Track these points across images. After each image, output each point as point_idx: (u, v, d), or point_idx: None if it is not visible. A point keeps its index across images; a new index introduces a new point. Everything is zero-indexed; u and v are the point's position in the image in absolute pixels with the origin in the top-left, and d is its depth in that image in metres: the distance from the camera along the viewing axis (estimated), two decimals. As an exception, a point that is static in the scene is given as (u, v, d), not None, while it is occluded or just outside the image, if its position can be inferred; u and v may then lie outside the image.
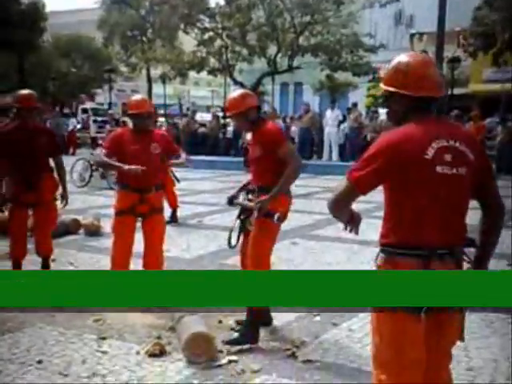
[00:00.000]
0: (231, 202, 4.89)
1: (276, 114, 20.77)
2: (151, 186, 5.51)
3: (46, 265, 6.18)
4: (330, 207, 2.69)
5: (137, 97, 5.91)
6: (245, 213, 4.76)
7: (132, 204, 5.44)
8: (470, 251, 2.72)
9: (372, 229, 8.71)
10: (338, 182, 2.68)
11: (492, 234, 2.73)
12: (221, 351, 4.31)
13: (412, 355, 2.57)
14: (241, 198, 4.85)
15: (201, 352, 4.20)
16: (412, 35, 35.17)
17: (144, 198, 5.44)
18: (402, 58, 2.69)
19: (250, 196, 4.73)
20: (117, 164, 5.38)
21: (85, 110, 34.12)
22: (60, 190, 6.10)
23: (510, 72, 25.50)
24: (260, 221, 4.48)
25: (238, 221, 4.83)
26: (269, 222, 4.47)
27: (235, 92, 4.88)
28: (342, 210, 2.72)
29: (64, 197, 6.09)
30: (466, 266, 2.70)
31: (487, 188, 2.70)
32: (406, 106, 2.65)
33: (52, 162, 6.11)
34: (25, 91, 6.07)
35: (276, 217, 4.44)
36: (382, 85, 2.74)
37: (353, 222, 2.85)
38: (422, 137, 2.53)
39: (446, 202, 2.56)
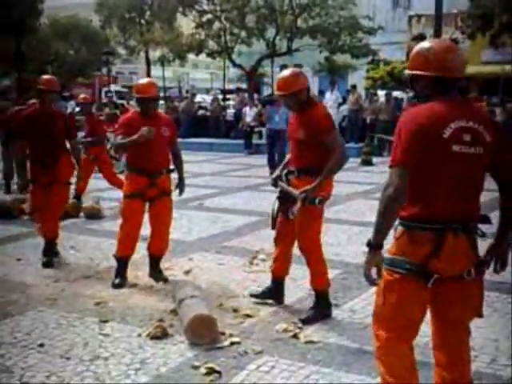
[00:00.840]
0: (276, 183, 4.84)
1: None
2: (162, 169, 5.52)
3: (48, 248, 6.21)
4: (393, 200, 2.65)
5: (144, 80, 5.90)
6: (284, 194, 4.74)
7: (142, 187, 5.41)
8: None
9: (372, 210, 8.77)
10: (385, 181, 2.70)
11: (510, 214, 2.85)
12: (223, 333, 4.31)
13: (410, 317, 2.80)
14: (284, 180, 4.79)
15: (203, 334, 4.20)
16: (410, 17, 34.94)
17: (154, 182, 5.43)
18: (425, 43, 2.86)
19: (289, 177, 4.71)
20: (130, 138, 5.31)
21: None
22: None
23: (508, 54, 25.43)
24: (302, 208, 4.47)
25: (277, 202, 4.81)
26: (311, 207, 4.48)
27: (287, 71, 4.72)
28: (403, 200, 2.69)
29: (79, 177, 6.60)
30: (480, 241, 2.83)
31: (505, 164, 2.78)
32: (427, 88, 2.79)
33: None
34: (48, 76, 6.43)
35: (317, 201, 4.48)
36: (406, 70, 2.89)
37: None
38: (440, 116, 2.67)
39: (461, 180, 2.70)
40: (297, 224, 4.60)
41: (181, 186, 5.77)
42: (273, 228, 4.92)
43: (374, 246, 2.72)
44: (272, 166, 12.57)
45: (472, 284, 2.79)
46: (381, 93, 20.04)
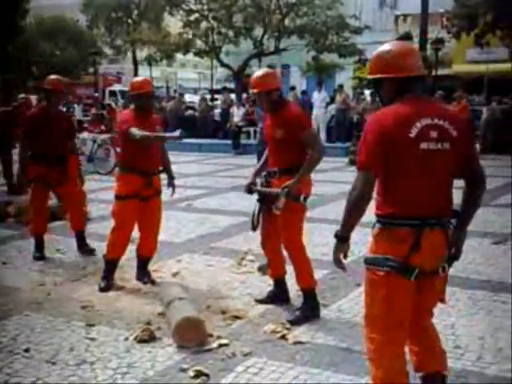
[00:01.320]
0: (250, 190, 4.85)
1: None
2: (157, 169, 5.53)
3: (81, 237, 6.66)
4: (356, 204, 2.84)
5: (139, 77, 5.96)
6: (264, 196, 4.76)
7: (137, 188, 5.36)
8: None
9: (360, 210, 8.80)
10: (352, 184, 2.85)
11: (474, 204, 2.96)
12: (211, 335, 4.29)
13: (400, 316, 2.88)
14: (258, 183, 4.82)
15: (190, 337, 4.17)
16: (396, 17, 35.11)
17: (150, 182, 5.40)
18: (382, 47, 2.94)
19: (269, 179, 4.72)
20: (158, 134, 5.36)
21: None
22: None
23: (493, 53, 25.59)
24: (287, 204, 4.48)
25: (258, 204, 4.84)
26: (295, 204, 4.51)
27: (261, 71, 4.86)
28: (366, 203, 2.83)
29: (80, 176, 6.80)
30: None
31: (470, 162, 2.91)
32: (391, 89, 2.88)
33: None
34: (54, 76, 6.53)
35: (302, 198, 4.51)
36: (368, 75, 2.98)
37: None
38: (405, 117, 2.75)
39: (433, 176, 2.79)
40: (280, 222, 4.60)
41: (172, 183, 5.77)
42: (253, 230, 4.90)
43: (341, 238, 2.97)
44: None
45: (440, 275, 2.93)
46: (367, 92, 20.06)
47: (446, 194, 2.88)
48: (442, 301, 3.09)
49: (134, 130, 5.12)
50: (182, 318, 4.21)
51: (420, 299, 2.92)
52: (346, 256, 3.02)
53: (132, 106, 5.59)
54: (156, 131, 5.40)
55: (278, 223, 4.65)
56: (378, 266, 2.84)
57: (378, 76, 2.89)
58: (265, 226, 4.85)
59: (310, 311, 4.64)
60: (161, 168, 5.66)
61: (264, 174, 4.79)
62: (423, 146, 2.73)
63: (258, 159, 12.88)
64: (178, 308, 4.43)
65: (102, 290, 5.32)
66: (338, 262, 3.02)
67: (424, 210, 2.77)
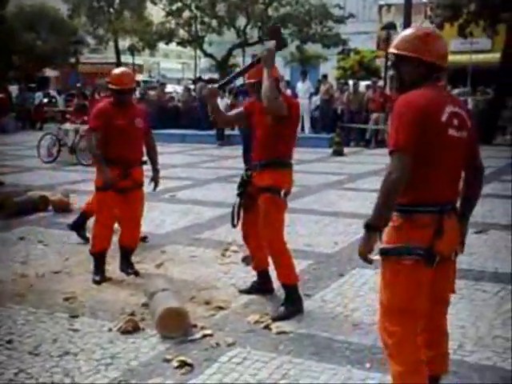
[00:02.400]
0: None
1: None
2: (135, 161, 5.48)
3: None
4: (396, 188, 2.66)
5: (118, 70, 5.65)
6: (244, 188, 4.77)
7: (115, 179, 5.33)
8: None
9: (343, 200, 8.86)
10: (387, 168, 2.71)
11: (477, 192, 3.01)
12: (195, 326, 4.30)
13: (424, 306, 2.82)
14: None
15: (174, 327, 4.18)
16: (380, 7, 35.17)
17: (128, 173, 5.38)
18: (419, 28, 2.95)
19: (251, 173, 4.74)
20: (103, 168, 5.28)
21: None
22: None
23: (477, 43, 25.70)
24: (268, 198, 4.49)
25: (238, 199, 4.84)
26: (277, 198, 4.50)
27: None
28: (403, 188, 2.68)
29: None
30: None
31: (475, 151, 2.95)
32: (419, 72, 2.81)
33: None
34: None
35: (282, 192, 4.51)
36: (393, 49, 2.87)
37: None
38: (436, 101, 2.74)
39: (452, 162, 2.79)
40: (262, 219, 4.58)
41: (156, 178, 5.72)
42: (233, 226, 4.89)
43: (374, 228, 2.73)
44: (247, 159, 12.33)
45: (453, 261, 2.93)
46: (351, 83, 20.09)
47: (458, 182, 2.90)
48: (454, 291, 3.03)
49: (92, 142, 5.33)
50: (165, 308, 4.22)
51: (438, 289, 2.88)
52: (372, 249, 2.79)
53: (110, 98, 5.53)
54: (136, 124, 5.41)
55: (259, 220, 4.62)
56: (404, 254, 2.74)
57: (410, 54, 2.79)
58: (245, 222, 4.85)
59: (292, 307, 4.58)
60: (144, 159, 5.64)
61: (246, 169, 4.83)
62: (451, 131, 2.73)
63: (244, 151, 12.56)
64: (162, 299, 4.43)
65: (96, 282, 5.28)
66: (365, 255, 2.78)
67: (444, 196, 2.77)
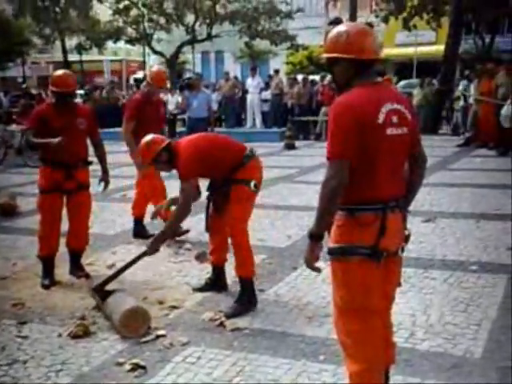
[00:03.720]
0: None
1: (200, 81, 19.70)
2: (78, 162, 5.36)
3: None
4: (336, 194, 2.65)
5: (60, 72, 5.50)
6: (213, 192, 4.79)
7: (58, 181, 5.24)
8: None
9: (295, 194, 8.90)
10: (325, 173, 2.69)
11: (419, 183, 3.03)
12: (149, 327, 4.24)
13: (378, 301, 2.82)
14: None
15: (137, 327, 4.14)
16: (327, 2, 35.45)
17: (71, 174, 5.27)
18: (341, 27, 2.84)
19: None
20: (44, 140, 5.18)
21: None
22: None
23: (421, 36, 26.19)
24: (238, 189, 4.50)
25: (209, 202, 4.86)
26: (246, 190, 4.51)
27: (141, 143, 4.85)
28: (340, 194, 2.68)
29: None
30: None
31: (418, 143, 2.96)
32: (349, 71, 2.79)
33: None
34: (156, 69, 6.86)
35: (252, 184, 4.52)
36: (324, 54, 2.86)
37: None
38: (372, 102, 2.71)
39: (393, 159, 2.78)
40: (230, 204, 4.57)
41: (105, 179, 5.63)
42: (207, 230, 4.90)
43: (317, 236, 2.75)
44: None
45: (399, 257, 2.93)
46: (300, 77, 20.20)
47: (402, 176, 2.89)
48: (400, 284, 3.07)
49: (29, 138, 5.36)
50: (127, 309, 4.16)
51: (385, 285, 2.87)
52: (318, 257, 2.80)
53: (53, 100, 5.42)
54: (78, 124, 5.31)
55: (227, 211, 4.62)
56: (349, 254, 2.75)
57: (336, 55, 2.78)
58: (212, 215, 4.83)
59: (247, 302, 4.58)
60: (89, 160, 5.53)
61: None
62: (389, 131, 2.71)
63: None
64: (119, 299, 4.37)
65: (45, 287, 5.18)
66: (311, 264, 2.80)
67: (386, 194, 2.76)
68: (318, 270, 2.83)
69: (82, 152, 5.42)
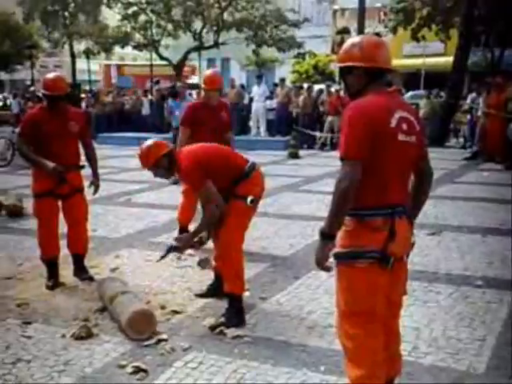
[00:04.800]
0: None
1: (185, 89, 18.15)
2: (71, 166, 5.34)
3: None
4: (347, 195, 2.68)
5: (52, 75, 5.47)
6: None
7: (51, 185, 5.24)
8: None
9: (298, 202, 8.92)
10: (338, 174, 2.72)
11: (425, 197, 3.07)
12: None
13: (381, 307, 2.84)
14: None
15: (143, 329, 4.17)
16: (334, 11, 35.59)
17: (63, 178, 5.24)
18: (355, 38, 2.96)
19: None
20: (39, 159, 5.17)
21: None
22: None
23: (429, 47, 26.22)
24: (235, 204, 4.43)
25: None
26: (243, 205, 4.44)
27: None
28: (353, 194, 2.71)
29: None
30: None
31: (424, 155, 2.99)
32: (362, 80, 2.86)
33: None
34: (210, 73, 6.60)
35: (249, 200, 4.43)
36: (337, 63, 2.95)
37: None
38: (386, 107, 2.79)
39: (402, 166, 2.85)
40: (226, 221, 4.47)
41: (95, 182, 5.60)
42: (209, 238, 4.92)
43: (329, 236, 2.76)
44: None
45: (404, 262, 2.96)
46: (306, 86, 20.24)
47: (408, 184, 2.96)
48: (405, 292, 3.09)
49: (22, 146, 5.30)
50: (134, 311, 4.19)
51: (391, 291, 2.90)
52: (328, 257, 2.82)
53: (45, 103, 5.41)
54: (69, 128, 5.30)
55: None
56: (358, 258, 2.77)
57: (350, 64, 2.86)
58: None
59: (234, 319, 4.43)
60: (82, 164, 5.52)
61: None
62: (400, 137, 2.77)
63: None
64: (124, 302, 4.39)
65: (49, 288, 5.21)
66: (322, 263, 2.81)
67: (394, 199, 2.80)
68: (328, 269, 2.85)
69: (73, 156, 5.41)
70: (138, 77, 34.59)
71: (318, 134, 17.66)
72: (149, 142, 4.60)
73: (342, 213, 2.73)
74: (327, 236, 2.76)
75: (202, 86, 6.66)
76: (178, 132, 6.61)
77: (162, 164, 4.50)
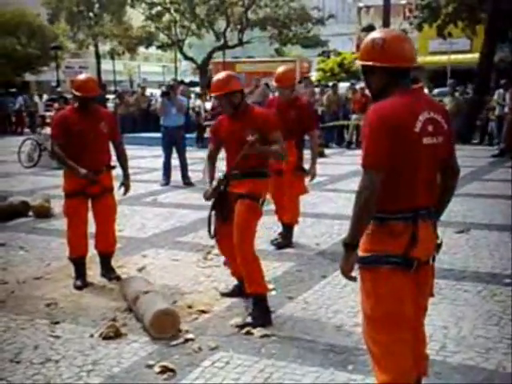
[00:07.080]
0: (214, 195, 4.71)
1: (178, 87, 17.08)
2: (101, 166, 5.41)
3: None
4: (369, 204, 2.64)
5: (83, 77, 5.57)
6: (221, 202, 4.70)
7: (83, 185, 5.30)
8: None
9: (325, 202, 8.88)
10: (360, 185, 2.66)
11: (450, 194, 2.99)
12: (179, 330, 4.27)
13: (409, 312, 2.76)
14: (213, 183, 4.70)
15: (167, 328, 4.18)
16: (359, 8, 35.41)
17: (94, 179, 5.30)
18: (376, 33, 2.78)
19: (229, 182, 4.64)
20: (72, 164, 5.23)
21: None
22: None
23: (455, 44, 25.93)
24: (247, 204, 4.45)
25: (213, 210, 4.79)
26: (256, 205, 4.47)
27: (221, 73, 4.71)
28: (374, 202, 2.66)
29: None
30: None
31: (452, 153, 2.91)
32: (384, 79, 2.73)
33: None
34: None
35: (261, 201, 4.50)
36: (358, 61, 2.81)
37: None
38: (409, 111, 2.66)
39: (427, 168, 2.74)
40: (236, 220, 4.49)
41: (126, 183, 5.64)
42: (211, 237, 4.87)
43: (352, 246, 2.72)
44: (167, 171, 11.17)
45: (431, 266, 2.89)
46: (330, 84, 20.17)
47: (434, 186, 2.84)
48: (432, 294, 3.02)
49: (57, 149, 5.34)
50: (158, 310, 4.21)
51: (418, 294, 2.83)
52: (353, 266, 2.76)
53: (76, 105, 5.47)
54: (100, 128, 5.35)
55: (233, 227, 4.52)
56: (380, 263, 2.71)
57: (371, 63, 2.72)
58: (219, 233, 4.79)
59: (260, 318, 4.41)
60: (112, 164, 5.57)
61: (221, 176, 4.70)
62: (425, 140, 2.66)
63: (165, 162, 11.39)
64: (150, 301, 4.41)
65: (77, 288, 5.26)
66: (347, 273, 2.76)
67: (417, 203, 2.72)
68: (353, 279, 2.81)
69: (104, 156, 5.47)
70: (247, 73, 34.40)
71: (344, 122, 17.52)
72: (230, 72, 4.74)
73: (364, 223, 2.69)
74: (350, 246, 2.72)
75: (275, 83, 6.51)
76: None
77: (233, 98, 4.52)
